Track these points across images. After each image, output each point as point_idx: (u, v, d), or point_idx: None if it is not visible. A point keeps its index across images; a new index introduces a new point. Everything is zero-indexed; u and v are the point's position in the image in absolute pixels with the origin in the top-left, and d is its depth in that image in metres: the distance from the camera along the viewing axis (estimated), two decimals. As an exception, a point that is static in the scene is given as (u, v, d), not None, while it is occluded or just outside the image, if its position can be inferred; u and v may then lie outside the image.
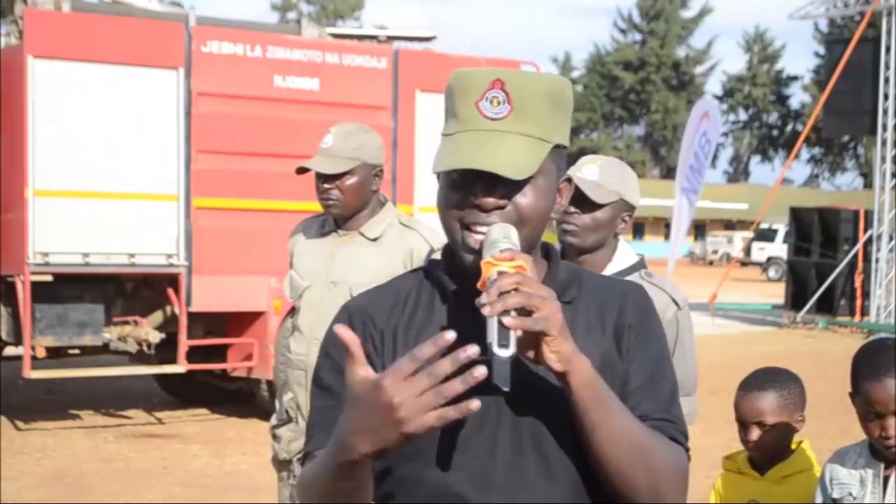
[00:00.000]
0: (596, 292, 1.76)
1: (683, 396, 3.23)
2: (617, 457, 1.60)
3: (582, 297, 1.75)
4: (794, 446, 3.18)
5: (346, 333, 1.52)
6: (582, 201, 3.10)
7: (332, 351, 1.71)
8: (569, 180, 1.77)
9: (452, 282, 1.73)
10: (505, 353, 1.49)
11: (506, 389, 1.49)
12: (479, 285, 1.56)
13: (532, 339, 1.55)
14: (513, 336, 1.50)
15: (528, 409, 1.65)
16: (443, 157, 1.66)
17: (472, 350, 1.43)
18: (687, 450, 1.72)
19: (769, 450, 3.13)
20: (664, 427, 1.68)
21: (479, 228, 1.65)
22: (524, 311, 1.52)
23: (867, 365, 2.73)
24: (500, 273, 1.54)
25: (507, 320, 1.49)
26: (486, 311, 1.49)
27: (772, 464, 3.16)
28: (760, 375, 3.19)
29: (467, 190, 1.65)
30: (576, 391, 1.57)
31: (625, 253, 3.20)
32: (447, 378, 1.45)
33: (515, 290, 1.51)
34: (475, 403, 1.44)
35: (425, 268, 1.80)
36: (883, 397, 2.66)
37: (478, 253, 1.63)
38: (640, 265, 3.19)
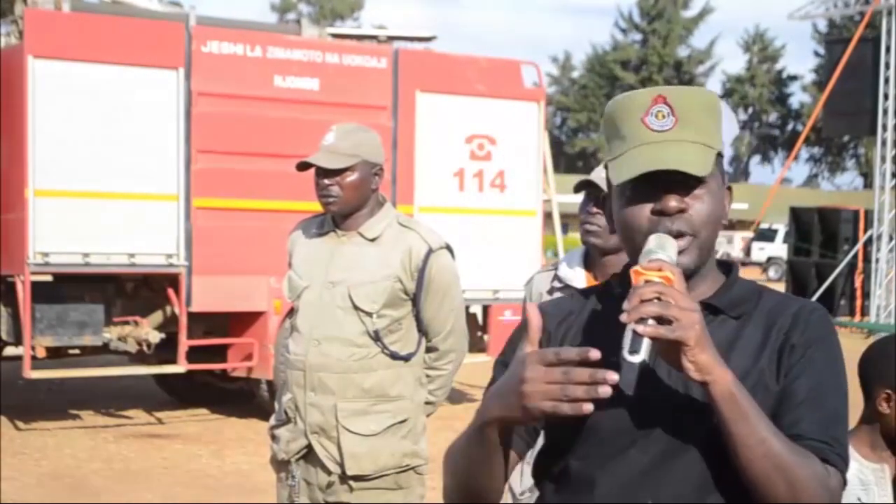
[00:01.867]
0: (770, 311, 1.79)
1: None
2: (757, 470, 1.63)
3: (754, 315, 1.78)
4: None
5: (534, 313, 1.68)
6: (605, 202, 3.10)
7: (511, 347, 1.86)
8: (729, 188, 1.82)
9: (618, 293, 1.78)
10: (634, 359, 1.55)
11: (629, 394, 1.58)
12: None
13: (675, 349, 1.59)
14: (645, 343, 1.56)
15: (673, 417, 1.72)
16: (623, 169, 1.72)
17: (595, 354, 1.55)
18: (842, 472, 1.71)
19: None
20: (818, 448, 1.68)
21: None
22: (664, 321, 1.57)
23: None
24: (647, 282, 1.59)
25: (640, 328, 1.55)
26: (623, 317, 1.56)
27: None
28: None
29: (647, 200, 1.72)
30: (716, 401, 1.62)
31: None
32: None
33: (658, 299, 1.57)
34: (588, 407, 1.55)
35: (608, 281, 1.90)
36: None
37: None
38: None
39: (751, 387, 1.68)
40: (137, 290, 9.41)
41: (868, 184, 56.58)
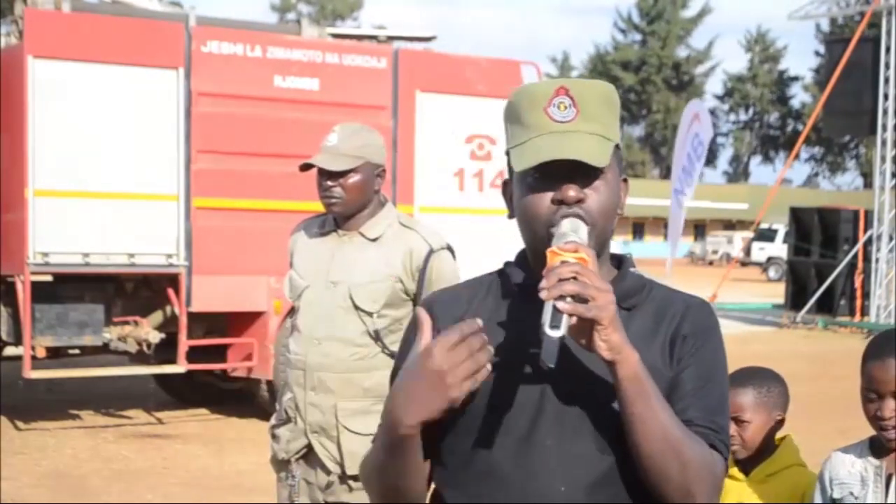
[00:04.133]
0: (659, 303, 1.85)
1: None
2: (653, 451, 1.68)
3: (643, 306, 1.84)
4: (777, 443, 3.18)
5: (423, 315, 1.72)
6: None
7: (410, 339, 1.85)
8: (625, 180, 1.87)
9: (522, 279, 1.85)
10: (555, 334, 1.59)
11: (551, 366, 1.59)
12: (543, 273, 1.65)
13: (587, 328, 1.63)
14: (565, 319, 1.60)
15: (576, 398, 1.75)
16: (525, 157, 1.76)
17: (479, 322, 1.61)
18: (725, 459, 1.79)
19: (748, 446, 3.13)
20: (706, 434, 1.76)
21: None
22: (581, 300, 1.61)
23: (873, 347, 2.77)
24: (563, 262, 1.64)
25: (560, 304, 1.59)
26: (543, 294, 1.60)
27: (756, 463, 3.15)
28: (742, 373, 3.20)
29: (547, 189, 1.77)
30: (622, 381, 1.67)
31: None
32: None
33: (574, 278, 1.61)
34: (484, 372, 1.62)
35: (503, 267, 1.94)
36: (883, 376, 2.69)
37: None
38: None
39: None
40: (137, 290, 9.41)
41: (868, 184, 56.59)
